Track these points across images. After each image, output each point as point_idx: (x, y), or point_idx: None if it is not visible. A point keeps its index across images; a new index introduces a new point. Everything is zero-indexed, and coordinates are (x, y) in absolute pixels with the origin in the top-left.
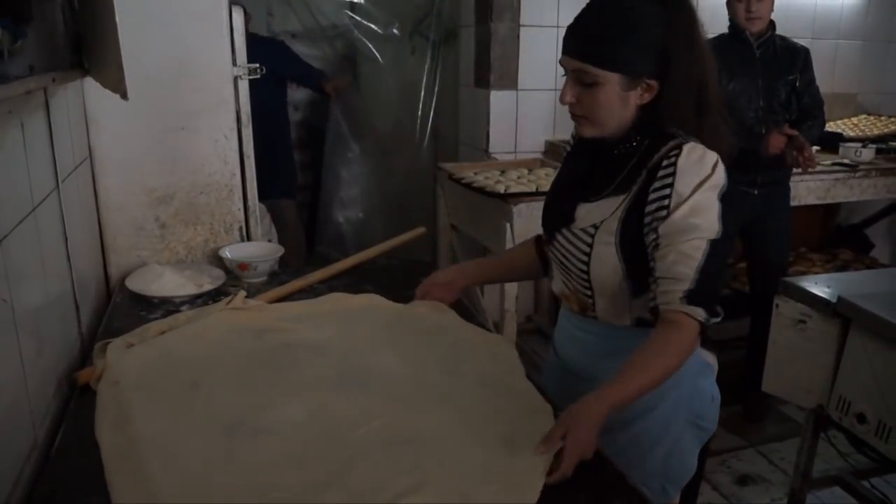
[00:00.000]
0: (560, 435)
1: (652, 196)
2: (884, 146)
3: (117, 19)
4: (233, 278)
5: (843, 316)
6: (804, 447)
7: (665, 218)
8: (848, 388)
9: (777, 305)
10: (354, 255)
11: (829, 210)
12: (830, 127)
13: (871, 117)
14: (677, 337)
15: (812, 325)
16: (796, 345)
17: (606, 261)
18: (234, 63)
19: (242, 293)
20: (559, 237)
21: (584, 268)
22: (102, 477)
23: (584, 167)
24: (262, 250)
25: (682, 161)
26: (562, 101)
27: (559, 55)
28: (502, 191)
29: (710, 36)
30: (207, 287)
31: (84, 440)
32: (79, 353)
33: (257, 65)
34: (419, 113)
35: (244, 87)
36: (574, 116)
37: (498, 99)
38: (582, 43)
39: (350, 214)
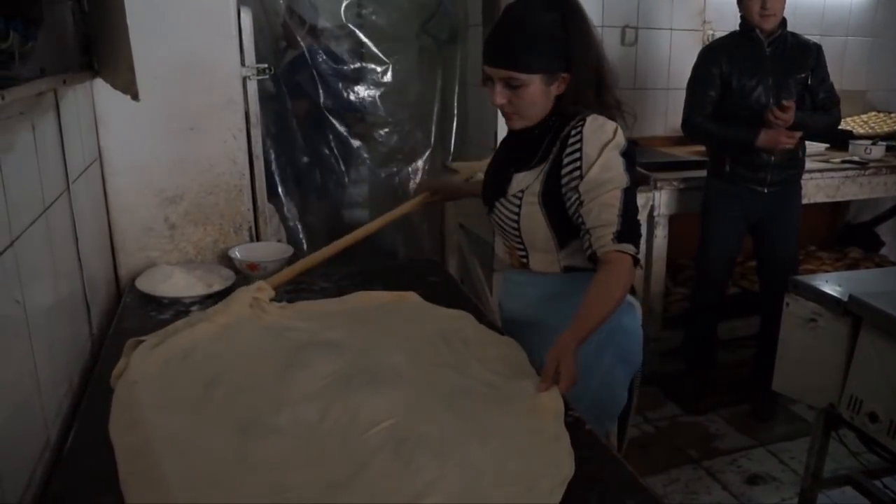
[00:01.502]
0: (553, 369)
1: (566, 160)
2: (894, 143)
3: (128, 21)
4: (242, 278)
5: (854, 314)
6: (815, 446)
7: (581, 178)
8: (859, 386)
9: (787, 304)
10: (363, 227)
11: (839, 208)
12: (840, 124)
13: (881, 114)
14: (617, 271)
15: (823, 323)
16: (807, 344)
17: (533, 218)
18: (243, 63)
19: (271, 291)
20: (497, 205)
21: (516, 226)
22: (115, 476)
23: (514, 147)
24: (271, 250)
25: (586, 129)
26: (494, 103)
27: None
28: None
29: (720, 34)
30: (217, 287)
31: (96, 440)
32: (90, 353)
33: (266, 65)
34: (426, 112)
35: (252, 87)
36: (504, 114)
37: None
38: (506, 55)
39: (356, 213)
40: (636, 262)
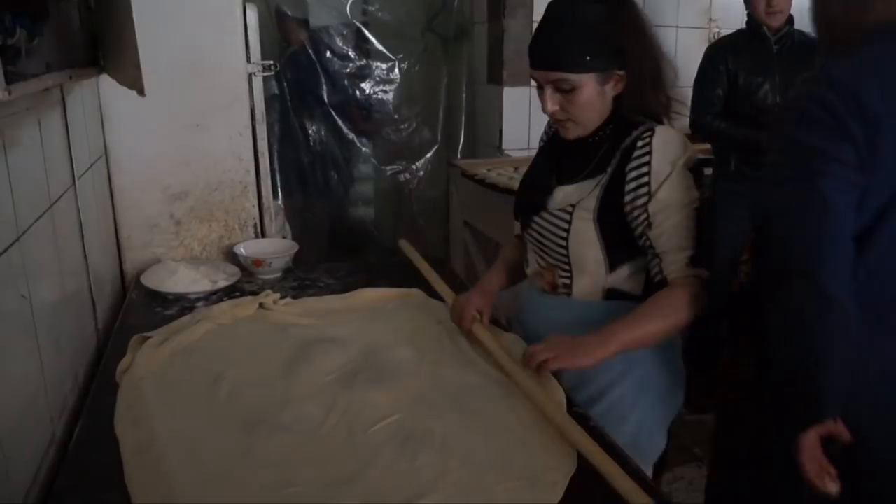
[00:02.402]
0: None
1: (631, 175)
2: None
3: (134, 17)
4: (247, 275)
5: None
6: None
7: (650, 197)
8: None
9: None
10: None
11: None
12: None
13: None
14: (685, 293)
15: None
16: None
17: (585, 236)
18: (249, 60)
19: (276, 295)
20: (536, 219)
21: (563, 243)
22: (120, 472)
23: (559, 156)
24: (276, 247)
25: (656, 142)
26: (546, 111)
27: None
28: (516, 187)
29: (726, 32)
30: (222, 283)
31: (102, 435)
32: (95, 348)
33: (271, 62)
34: (432, 110)
35: (258, 84)
36: (557, 122)
37: (511, 95)
38: (553, 55)
39: (361, 211)
40: (707, 287)
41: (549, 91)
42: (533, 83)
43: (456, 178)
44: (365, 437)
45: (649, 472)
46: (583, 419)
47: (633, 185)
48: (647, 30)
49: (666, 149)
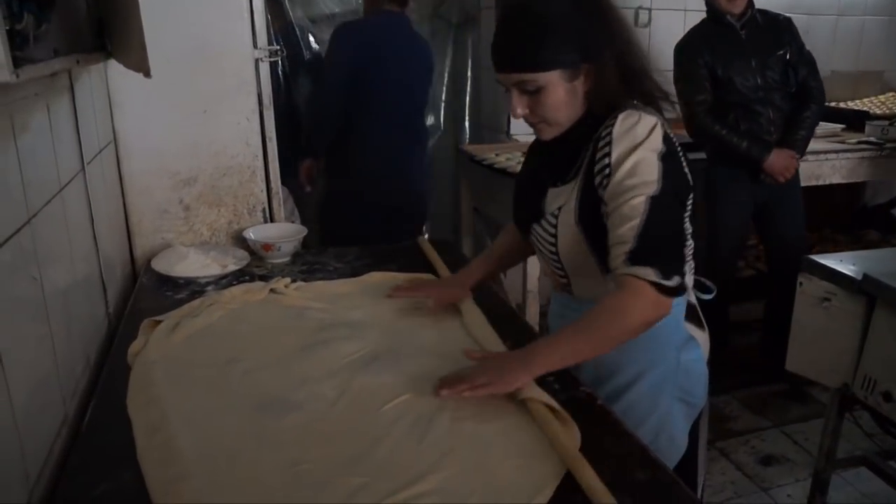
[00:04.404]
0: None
1: (596, 167)
2: None
3: (140, 1)
4: (256, 259)
5: (869, 293)
6: (828, 427)
7: (606, 186)
8: (873, 366)
9: (801, 284)
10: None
11: (855, 190)
12: (857, 105)
13: None
14: (620, 298)
15: (836, 303)
16: (820, 323)
17: (571, 240)
18: (255, 46)
19: (287, 279)
20: (535, 226)
21: (554, 250)
22: (131, 451)
23: (546, 159)
24: (285, 231)
25: (616, 129)
26: (513, 115)
27: None
28: None
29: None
30: (232, 267)
31: (113, 416)
32: (106, 331)
33: (277, 47)
34: (439, 96)
35: (265, 69)
36: (531, 125)
37: None
38: (513, 56)
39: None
40: (664, 290)
41: (515, 94)
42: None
43: (464, 163)
44: (376, 417)
45: None
46: (590, 399)
47: (598, 178)
48: (609, 15)
49: (627, 135)
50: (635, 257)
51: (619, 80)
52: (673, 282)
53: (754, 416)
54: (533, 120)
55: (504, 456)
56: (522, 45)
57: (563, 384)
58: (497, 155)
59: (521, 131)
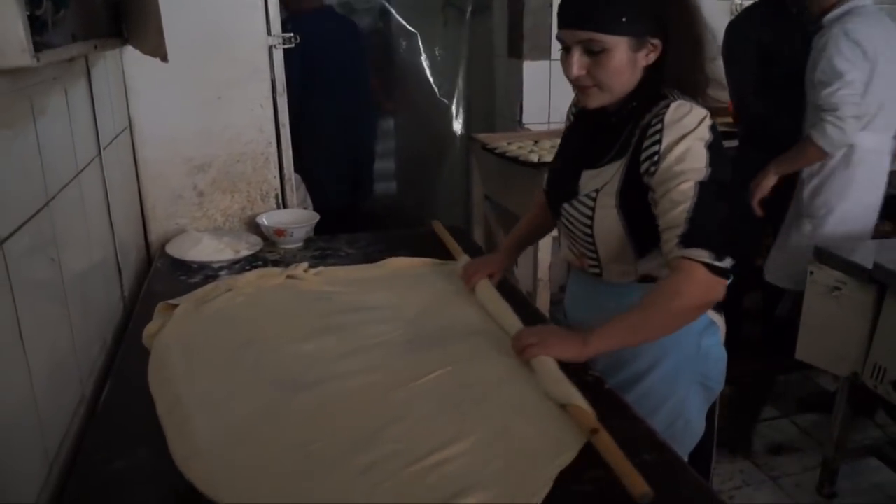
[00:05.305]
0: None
1: (644, 155)
2: None
3: None
4: (269, 244)
5: (879, 282)
6: (838, 416)
7: (654, 173)
8: (883, 355)
9: (811, 273)
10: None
11: None
12: None
13: None
14: (675, 281)
15: (847, 292)
16: (831, 312)
17: (609, 224)
18: (269, 33)
19: (305, 264)
20: (566, 207)
21: (589, 231)
22: (148, 429)
23: (585, 138)
24: (297, 217)
25: (668, 118)
26: (569, 74)
27: None
28: (535, 160)
29: (749, 2)
30: (245, 252)
31: (129, 395)
32: (122, 314)
33: (291, 34)
34: (452, 84)
35: (279, 56)
36: (581, 88)
37: (531, 69)
38: (585, 13)
39: (383, 185)
40: (718, 271)
41: (576, 53)
42: (555, 55)
43: (476, 151)
44: (390, 398)
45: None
46: (598, 382)
47: (645, 164)
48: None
49: (678, 124)
50: (688, 240)
51: (681, 65)
52: (725, 263)
53: (765, 405)
54: (586, 83)
55: (527, 424)
56: (598, 4)
57: (570, 368)
58: (509, 143)
59: (534, 120)
